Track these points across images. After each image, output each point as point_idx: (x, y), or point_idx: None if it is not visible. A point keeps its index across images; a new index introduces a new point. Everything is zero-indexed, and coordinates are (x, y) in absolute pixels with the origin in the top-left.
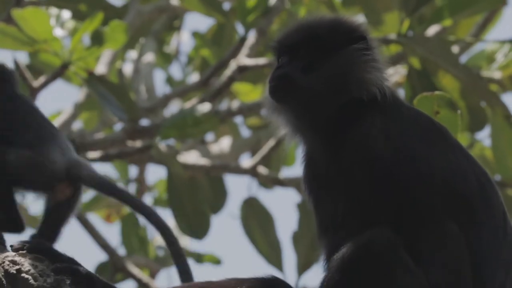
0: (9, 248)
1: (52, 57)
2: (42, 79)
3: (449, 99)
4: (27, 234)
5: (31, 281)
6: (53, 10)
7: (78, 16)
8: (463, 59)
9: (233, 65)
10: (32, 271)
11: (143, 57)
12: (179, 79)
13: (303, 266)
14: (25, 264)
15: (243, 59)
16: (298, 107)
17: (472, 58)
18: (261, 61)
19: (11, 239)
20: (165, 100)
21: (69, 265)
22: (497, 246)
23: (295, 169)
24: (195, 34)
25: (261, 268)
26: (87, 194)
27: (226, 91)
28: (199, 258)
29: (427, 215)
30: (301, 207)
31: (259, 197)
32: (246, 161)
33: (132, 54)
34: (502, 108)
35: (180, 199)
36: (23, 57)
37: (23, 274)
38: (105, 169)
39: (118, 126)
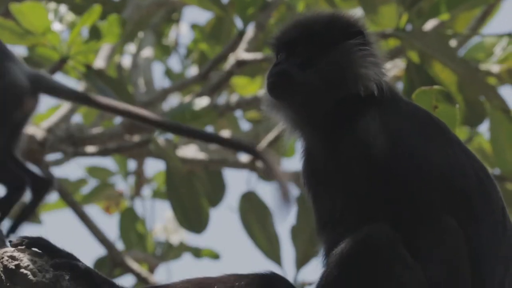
0: (8, 243)
1: (50, 51)
2: None
3: (447, 93)
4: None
5: (30, 276)
6: (51, 4)
7: (76, 10)
8: (461, 52)
9: (231, 59)
10: (31, 266)
11: (141, 51)
12: (178, 71)
13: (301, 261)
14: (24, 259)
15: (242, 53)
16: (296, 103)
17: (470, 52)
18: (260, 55)
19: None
20: (164, 94)
21: (68, 261)
22: (496, 241)
23: (295, 162)
24: (194, 27)
25: (259, 262)
26: (87, 186)
27: (225, 85)
28: (198, 253)
29: (425, 211)
30: (299, 201)
31: (258, 190)
32: (244, 155)
33: (131, 48)
34: (500, 102)
35: (178, 194)
36: (21, 51)
37: (22, 270)
38: (104, 163)
39: (117, 120)
